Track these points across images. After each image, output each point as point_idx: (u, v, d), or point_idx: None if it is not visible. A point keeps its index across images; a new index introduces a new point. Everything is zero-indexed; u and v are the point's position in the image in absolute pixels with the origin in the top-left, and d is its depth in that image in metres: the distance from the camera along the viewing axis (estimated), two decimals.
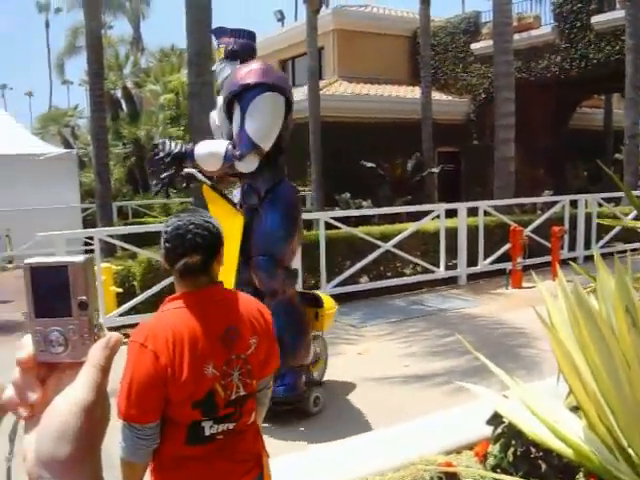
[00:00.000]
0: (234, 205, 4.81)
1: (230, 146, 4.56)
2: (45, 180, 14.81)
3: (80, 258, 0.69)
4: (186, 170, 4.80)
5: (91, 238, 9.79)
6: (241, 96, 4.53)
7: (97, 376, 0.66)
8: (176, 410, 1.96)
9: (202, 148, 4.76)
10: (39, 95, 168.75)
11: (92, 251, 9.48)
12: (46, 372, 0.69)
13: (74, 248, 12.84)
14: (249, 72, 4.57)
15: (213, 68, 5.04)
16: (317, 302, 5.30)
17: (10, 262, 15.11)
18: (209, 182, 4.81)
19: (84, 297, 0.69)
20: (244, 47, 4.80)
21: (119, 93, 26.91)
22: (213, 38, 5.14)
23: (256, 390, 2.16)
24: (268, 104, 4.51)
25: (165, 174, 4.85)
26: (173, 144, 4.91)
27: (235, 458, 2.07)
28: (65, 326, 0.69)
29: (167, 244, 2.08)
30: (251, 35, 4.96)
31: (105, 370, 0.67)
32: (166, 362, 1.91)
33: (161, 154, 4.85)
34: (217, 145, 4.71)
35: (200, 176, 4.77)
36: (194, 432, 1.98)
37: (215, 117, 5.12)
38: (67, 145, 23.94)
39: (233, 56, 4.76)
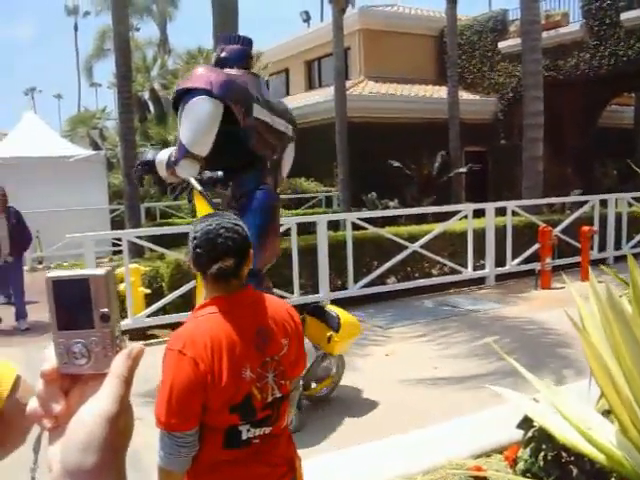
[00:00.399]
0: (216, 209, 4.80)
1: (173, 152, 4.57)
2: (74, 182, 14.99)
3: (101, 271, 0.70)
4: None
5: (119, 239, 9.89)
6: (179, 102, 4.52)
7: (120, 387, 0.67)
8: (214, 416, 1.95)
9: (159, 155, 4.79)
10: (68, 97, 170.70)
11: (120, 252, 9.57)
12: (69, 384, 0.70)
13: (102, 249, 13.00)
14: (186, 78, 4.61)
15: None
16: (327, 319, 5.14)
17: (40, 263, 15.30)
18: (199, 188, 4.75)
19: (106, 309, 0.69)
20: (233, 53, 4.76)
21: (147, 95, 27.08)
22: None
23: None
24: (195, 109, 4.42)
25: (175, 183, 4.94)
26: (150, 153, 4.93)
27: (271, 462, 2.06)
28: (88, 338, 0.69)
29: (198, 249, 2.05)
30: (244, 40, 4.91)
31: (128, 381, 0.68)
32: (206, 368, 1.90)
33: (137, 162, 4.98)
34: (166, 152, 4.73)
35: (193, 182, 4.78)
36: (231, 436, 1.97)
37: None
38: (95, 147, 24.17)
39: (222, 63, 4.73)
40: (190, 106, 4.41)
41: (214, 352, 1.92)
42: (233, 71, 4.65)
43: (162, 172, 4.72)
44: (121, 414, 0.66)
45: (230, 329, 1.97)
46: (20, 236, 8.86)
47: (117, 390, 0.67)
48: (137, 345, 0.71)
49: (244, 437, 1.99)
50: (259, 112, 4.64)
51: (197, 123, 4.41)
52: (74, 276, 0.69)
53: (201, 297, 5.44)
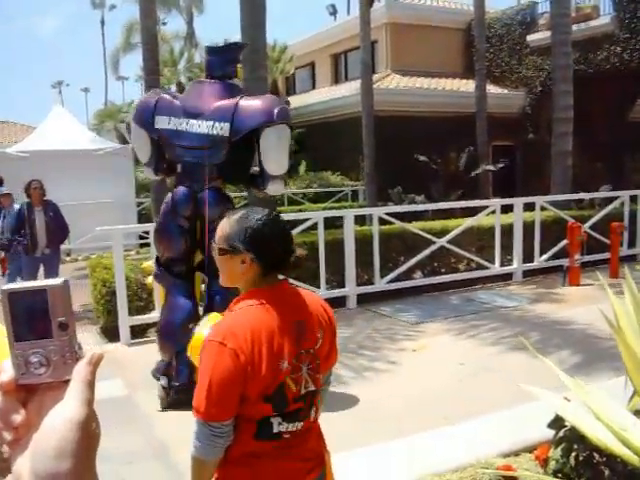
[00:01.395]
0: None
1: None
2: (101, 175, 15.09)
3: (58, 281, 0.71)
4: None
5: (147, 232, 9.94)
6: None
7: (87, 391, 0.68)
8: (249, 406, 1.96)
9: None
10: (95, 90, 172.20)
11: (147, 245, 9.62)
12: (25, 396, 0.69)
13: (130, 242, 13.10)
14: None
15: None
16: None
17: (68, 255, 15.46)
18: None
19: (64, 318, 0.70)
20: (211, 64, 5.38)
21: (173, 88, 27.20)
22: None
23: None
24: None
25: None
26: None
27: (300, 456, 2.07)
28: (46, 347, 0.70)
29: (272, 242, 2.06)
30: (224, 49, 5.61)
31: (92, 386, 0.69)
32: (246, 359, 1.91)
33: None
34: None
35: None
36: (262, 428, 1.99)
37: None
38: (123, 140, 24.29)
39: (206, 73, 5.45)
40: None
41: (254, 344, 1.93)
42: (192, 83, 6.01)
43: None
44: (91, 418, 0.67)
45: (269, 321, 1.98)
46: (57, 229, 8.92)
47: (84, 394, 0.67)
48: (96, 351, 0.71)
49: (275, 430, 1.99)
50: (163, 122, 5.31)
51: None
52: (31, 287, 0.70)
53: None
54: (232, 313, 2.07)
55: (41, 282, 0.70)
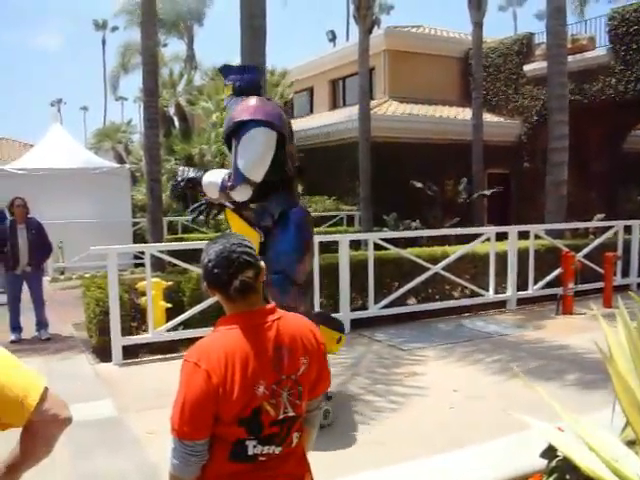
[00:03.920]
0: (252, 225, 5.16)
1: (227, 177, 4.96)
2: (98, 194, 15.15)
3: None
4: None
5: (142, 252, 9.94)
6: (236, 132, 4.91)
7: None
8: (224, 428, 1.99)
9: (207, 177, 5.21)
10: (93, 110, 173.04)
11: (142, 265, 9.62)
12: None
13: (124, 262, 13.08)
14: (243, 109, 4.93)
15: (225, 103, 5.39)
16: (333, 323, 5.68)
17: (62, 273, 15.44)
18: (231, 206, 5.26)
19: None
20: (249, 83, 5.21)
21: (172, 110, 27.31)
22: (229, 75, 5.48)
23: (306, 411, 2.18)
24: (257, 139, 4.83)
25: (200, 203, 5.53)
26: (191, 171, 5.44)
27: (275, 478, 2.08)
28: None
29: (216, 270, 2.07)
30: (255, 70, 5.48)
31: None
32: (218, 381, 1.94)
33: (178, 179, 5.40)
34: (215, 175, 5.18)
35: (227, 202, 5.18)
36: (237, 450, 2.01)
37: None
38: (120, 160, 24.40)
39: (239, 92, 5.16)
40: (251, 136, 4.83)
41: (227, 366, 1.96)
42: (255, 100, 5.02)
43: (211, 193, 5.16)
44: None
45: (246, 345, 2.01)
46: (39, 247, 8.92)
47: None
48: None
49: (250, 452, 2.02)
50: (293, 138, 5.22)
51: (256, 153, 4.82)
52: None
53: None
54: (211, 335, 2.11)
55: None
